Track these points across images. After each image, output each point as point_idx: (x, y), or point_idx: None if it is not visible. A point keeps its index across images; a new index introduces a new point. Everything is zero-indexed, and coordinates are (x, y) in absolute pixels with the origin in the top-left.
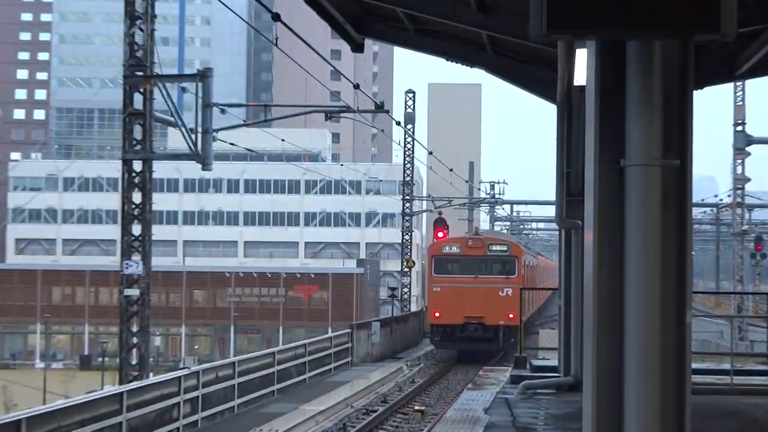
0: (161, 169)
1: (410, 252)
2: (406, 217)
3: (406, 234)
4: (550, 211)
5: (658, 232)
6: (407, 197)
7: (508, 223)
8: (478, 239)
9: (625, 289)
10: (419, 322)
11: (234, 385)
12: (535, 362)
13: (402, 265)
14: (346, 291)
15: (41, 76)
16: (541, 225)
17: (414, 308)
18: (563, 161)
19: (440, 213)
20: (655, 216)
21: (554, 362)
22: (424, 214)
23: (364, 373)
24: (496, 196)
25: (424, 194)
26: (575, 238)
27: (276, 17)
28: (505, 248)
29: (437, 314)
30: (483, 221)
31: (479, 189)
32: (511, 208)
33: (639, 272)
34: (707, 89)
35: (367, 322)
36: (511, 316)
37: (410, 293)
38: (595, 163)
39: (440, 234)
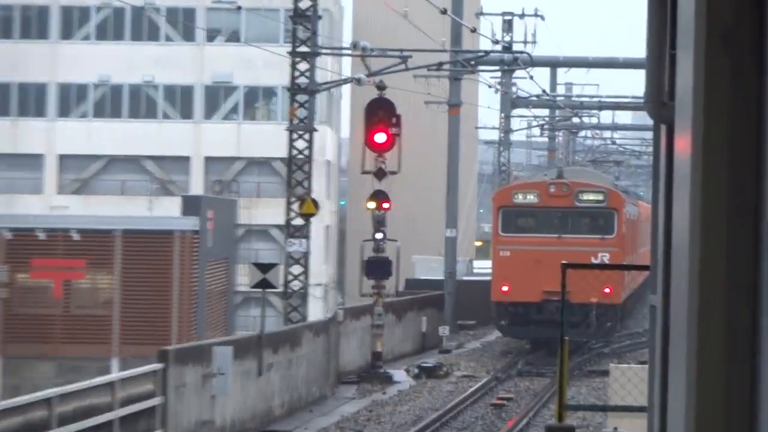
0: None
1: (309, 180)
2: (301, 97)
3: (300, 136)
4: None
5: None
6: (304, 48)
7: (546, 112)
8: (564, 184)
9: (762, 258)
10: (328, 345)
11: None
12: None
13: (288, 212)
14: (155, 273)
15: None
16: (621, 117)
17: (317, 312)
18: None
19: (381, 86)
20: None
21: None
22: (347, 89)
23: None
24: (516, 47)
25: (345, 43)
26: None
27: None
28: (600, 197)
29: (505, 288)
30: (485, 108)
31: (475, 30)
32: (553, 75)
33: None
34: None
35: (201, 347)
36: (607, 291)
37: (307, 276)
38: None
39: (380, 136)
